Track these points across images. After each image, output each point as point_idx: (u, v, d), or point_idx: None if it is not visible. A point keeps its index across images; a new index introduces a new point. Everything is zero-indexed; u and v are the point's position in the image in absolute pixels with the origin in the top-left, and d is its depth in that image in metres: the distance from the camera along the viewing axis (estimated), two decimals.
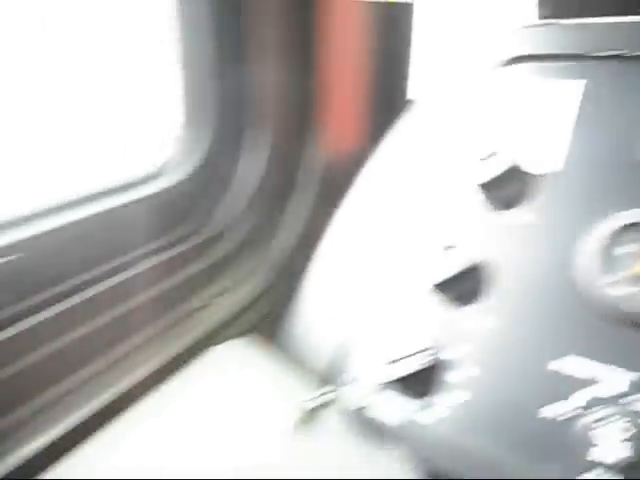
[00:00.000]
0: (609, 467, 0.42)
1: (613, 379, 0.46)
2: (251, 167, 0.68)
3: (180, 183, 0.63)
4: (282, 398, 0.55)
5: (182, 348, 0.59)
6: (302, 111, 0.70)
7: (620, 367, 0.46)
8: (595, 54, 0.57)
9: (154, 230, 0.60)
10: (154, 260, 0.60)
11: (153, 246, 0.60)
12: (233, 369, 0.57)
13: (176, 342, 0.59)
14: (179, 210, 0.64)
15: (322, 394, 0.55)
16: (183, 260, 0.63)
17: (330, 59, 0.69)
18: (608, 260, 0.48)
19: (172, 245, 0.62)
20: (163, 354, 0.58)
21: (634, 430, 0.42)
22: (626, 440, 0.41)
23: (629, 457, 0.41)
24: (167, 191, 0.61)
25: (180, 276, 0.62)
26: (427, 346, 0.53)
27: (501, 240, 0.56)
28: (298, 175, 0.72)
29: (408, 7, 0.79)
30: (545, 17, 0.65)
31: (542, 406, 0.47)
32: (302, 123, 0.70)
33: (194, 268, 0.64)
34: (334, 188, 0.66)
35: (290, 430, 0.52)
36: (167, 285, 0.61)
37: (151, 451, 0.49)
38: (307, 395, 0.55)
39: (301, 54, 0.67)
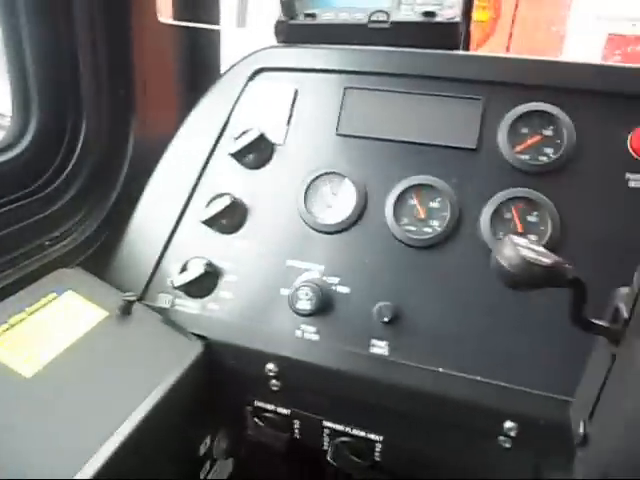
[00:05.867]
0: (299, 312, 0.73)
1: (314, 268, 0.76)
2: (75, 141, 0.87)
3: (17, 156, 0.80)
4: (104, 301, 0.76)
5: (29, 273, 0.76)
6: (118, 101, 0.90)
7: (319, 263, 0.76)
8: (304, 67, 0.85)
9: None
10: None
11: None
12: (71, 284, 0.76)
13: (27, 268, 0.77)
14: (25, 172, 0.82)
15: (130, 295, 0.75)
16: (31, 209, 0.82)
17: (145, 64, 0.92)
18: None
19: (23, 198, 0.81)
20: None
21: (312, 293, 0.72)
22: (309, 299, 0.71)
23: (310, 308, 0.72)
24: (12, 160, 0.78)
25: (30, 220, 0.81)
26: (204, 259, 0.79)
27: (252, 188, 0.82)
28: (118, 150, 0.92)
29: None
30: (281, 41, 0.90)
31: (281, 287, 0.76)
32: (118, 111, 0.90)
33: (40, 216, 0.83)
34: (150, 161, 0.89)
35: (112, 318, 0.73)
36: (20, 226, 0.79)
37: None
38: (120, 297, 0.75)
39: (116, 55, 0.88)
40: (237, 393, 0.82)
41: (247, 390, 0.82)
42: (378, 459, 0.80)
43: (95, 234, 0.88)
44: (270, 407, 0.81)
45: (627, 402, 0.41)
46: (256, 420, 0.82)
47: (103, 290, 0.78)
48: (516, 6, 2.20)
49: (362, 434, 0.78)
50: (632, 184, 0.70)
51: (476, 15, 2.15)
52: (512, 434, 0.67)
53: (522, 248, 0.46)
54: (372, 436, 0.77)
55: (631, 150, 0.71)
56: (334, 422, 0.79)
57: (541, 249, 0.46)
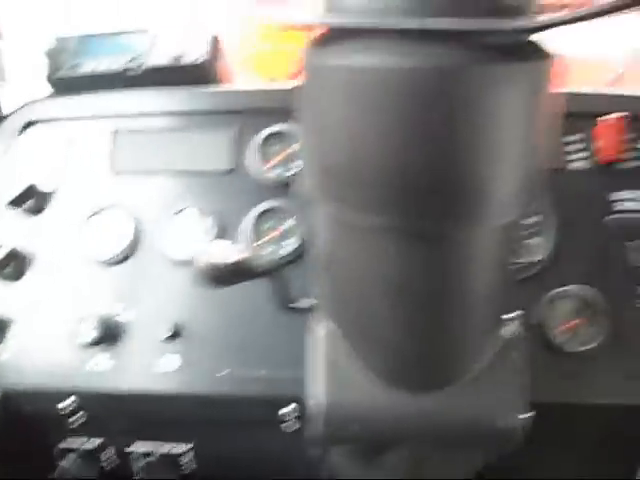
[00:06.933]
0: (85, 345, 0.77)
1: (99, 301, 0.80)
2: None
3: None
4: None
5: None
6: None
7: (103, 295, 0.80)
8: (73, 116, 0.89)
9: None
10: None
11: None
12: None
13: None
14: None
15: None
16: None
17: None
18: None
19: None
20: None
21: (96, 324, 0.76)
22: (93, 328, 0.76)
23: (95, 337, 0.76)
24: None
25: None
26: None
27: (31, 236, 0.84)
28: None
29: None
30: (54, 93, 0.93)
31: (68, 325, 0.78)
32: None
33: None
34: None
35: None
36: None
37: None
38: None
39: None
40: (41, 439, 0.83)
41: (50, 433, 0.83)
42: (188, 471, 0.84)
43: None
44: (75, 446, 0.83)
45: None
46: (63, 463, 0.83)
47: None
48: None
49: (166, 450, 0.82)
50: None
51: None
52: (295, 415, 0.75)
53: (212, 252, 0.54)
54: (178, 449, 0.82)
55: None
56: (139, 445, 0.82)
57: (235, 248, 0.55)
